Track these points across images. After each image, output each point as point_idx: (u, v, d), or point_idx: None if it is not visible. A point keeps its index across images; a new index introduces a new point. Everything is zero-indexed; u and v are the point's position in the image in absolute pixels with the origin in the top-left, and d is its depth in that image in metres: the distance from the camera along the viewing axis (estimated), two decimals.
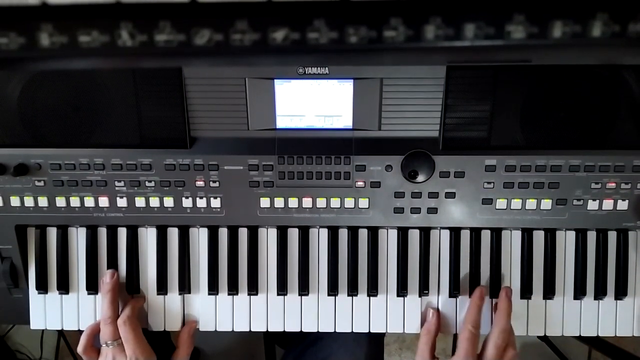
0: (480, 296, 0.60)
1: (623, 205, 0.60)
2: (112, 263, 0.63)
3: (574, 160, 0.59)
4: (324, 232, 0.63)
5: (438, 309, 0.63)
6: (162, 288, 0.63)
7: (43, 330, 1.21)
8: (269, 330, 0.63)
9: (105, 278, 0.61)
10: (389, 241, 0.63)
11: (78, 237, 0.63)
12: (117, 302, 0.60)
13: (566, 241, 0.62)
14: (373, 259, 0.62)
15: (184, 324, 0.64)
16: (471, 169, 0.59)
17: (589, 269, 0.62)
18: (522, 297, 0.62)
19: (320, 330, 0.63)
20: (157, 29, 0.20)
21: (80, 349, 0.60)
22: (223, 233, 0.63)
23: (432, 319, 0.61)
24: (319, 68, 0.56)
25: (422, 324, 0.63)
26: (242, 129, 0.59)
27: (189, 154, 0.59)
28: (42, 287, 0.63)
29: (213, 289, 0.63)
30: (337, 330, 0.63)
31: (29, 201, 0.60)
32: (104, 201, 0.61)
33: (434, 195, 0.60)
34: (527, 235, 0.62)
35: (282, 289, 0.63)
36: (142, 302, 0.63)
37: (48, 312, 0.63)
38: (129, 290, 0.63)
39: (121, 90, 0.57)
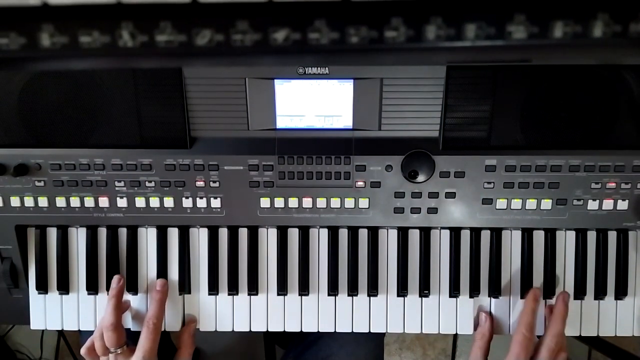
0: (534, 298, 0.59)
1: (623, 205, 0.60)
2: (112, 263, 0.63)
3: (574, 160, 0.59)
4: (324, 232, 0.63)
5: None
6: None
7: (43, 330, 1.21)
8: (269, 330, 0.63)
9: (112, 283, 0.60)
10: (389, 241, 0.63)
11: (78, 238, 0.63)
12: (121, 308, 0.60)
13: (566, 241, 0.62)
14: (373, 259, 0.62)
15: (184, 324, 0.64)
16: (471, 169, 0.59)
17: (589, 269, 0.62)
18: (521, 297, 0.62)
19: (320, 330, 0.63)
20: (158, 29, 0.20)
21: (83, 350, 0.60)
22: (223, 233, 0.63)
23: (486, 324, 0.61)
24: (319, 68, 0.56)
25: (474, 328, 0.63)
26: (242, 129, 0.59)
27: (189, 154, 0.59)
28: (42, 287, 0.63)
29: (213, 289, 0.63)
30: (337, 330, 0.63)
31: (29, 201, 0.60)
32: (104, 201, 0.61)
33: (434, 195, 0.60)
34: (527, 235, 0.62)
35: (282, 289, 0.63)
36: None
37: (48, 312, 0.63)
38: (128, 290, 0.63)
39: (121, 90, 0.57)
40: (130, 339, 0.59)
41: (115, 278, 0.60)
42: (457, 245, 0.62)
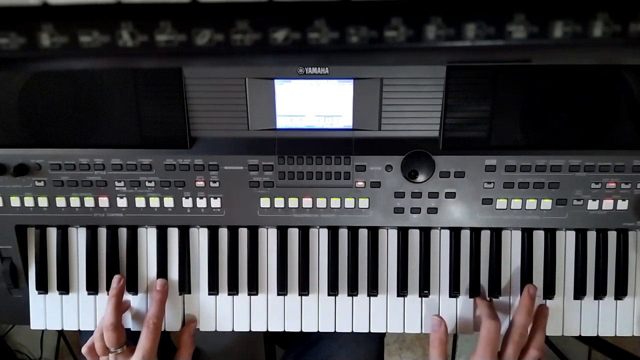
0: (482, 298, 0.60)
1: (623, 205, 0.60)
2: (112, 263, 0.63)
3: (574, 160, 0.59)
4: (324, 232, 0.63)
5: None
6: None
7: (43, 330, 1.21)
8: (269, 330, 0.63)
9: (112, 283, 0.60)
10: (389, 241, 0.63)
11: (78, 238, 0.63)
12: (121, 308, 0.60)
13: (566, 241, 0.62)
14: (373, 259, 0.62)
15: (184, 324, 0.64)
16: (471, 169, 0.59)
17: (589, 269, 0.62)
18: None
19: (320, 331, 0.63)
20: (158, 29, 0.20)
21: (84, 349, 0.60)
22: (223, 233, 0.63)
23: (442, 329, 0.61)
24: (319, 68, 0.56)
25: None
26: (242, 129, 0.59)
27: (189, 154, 0.59)
28: (42, 287, 0.63)
29: (213, 289, 0.63)
30: (337, 331, 0.63)
31: (29, 201, 0.60)
32: (104, 201, 0.61)
33: (434, 195, 0.60)
34: (527, 235, 0.62)
35: (282, 289, 0.63)
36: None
37: (48, 312, 0.63)
38: (128, 289, 0.62)
39: (121, 90, 0.57)
40: (130, 339, 0.59)
41: (116, 278, 0.60)
42: (457, 245, 0.62)
